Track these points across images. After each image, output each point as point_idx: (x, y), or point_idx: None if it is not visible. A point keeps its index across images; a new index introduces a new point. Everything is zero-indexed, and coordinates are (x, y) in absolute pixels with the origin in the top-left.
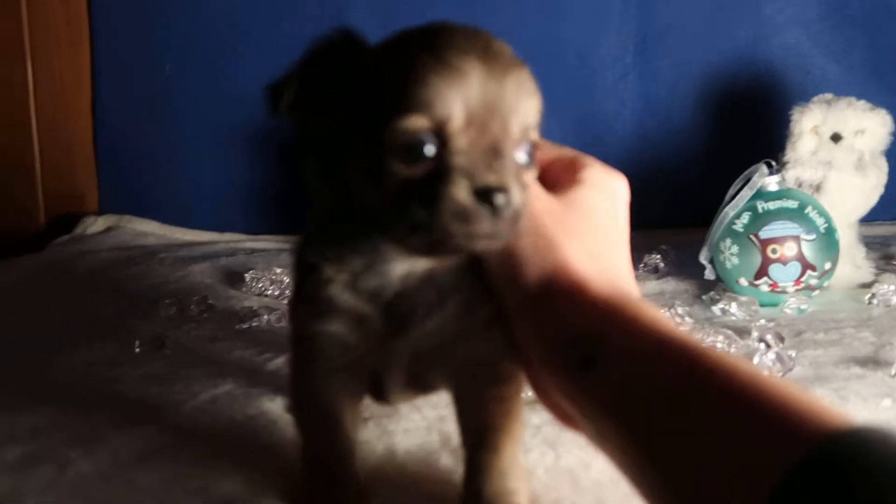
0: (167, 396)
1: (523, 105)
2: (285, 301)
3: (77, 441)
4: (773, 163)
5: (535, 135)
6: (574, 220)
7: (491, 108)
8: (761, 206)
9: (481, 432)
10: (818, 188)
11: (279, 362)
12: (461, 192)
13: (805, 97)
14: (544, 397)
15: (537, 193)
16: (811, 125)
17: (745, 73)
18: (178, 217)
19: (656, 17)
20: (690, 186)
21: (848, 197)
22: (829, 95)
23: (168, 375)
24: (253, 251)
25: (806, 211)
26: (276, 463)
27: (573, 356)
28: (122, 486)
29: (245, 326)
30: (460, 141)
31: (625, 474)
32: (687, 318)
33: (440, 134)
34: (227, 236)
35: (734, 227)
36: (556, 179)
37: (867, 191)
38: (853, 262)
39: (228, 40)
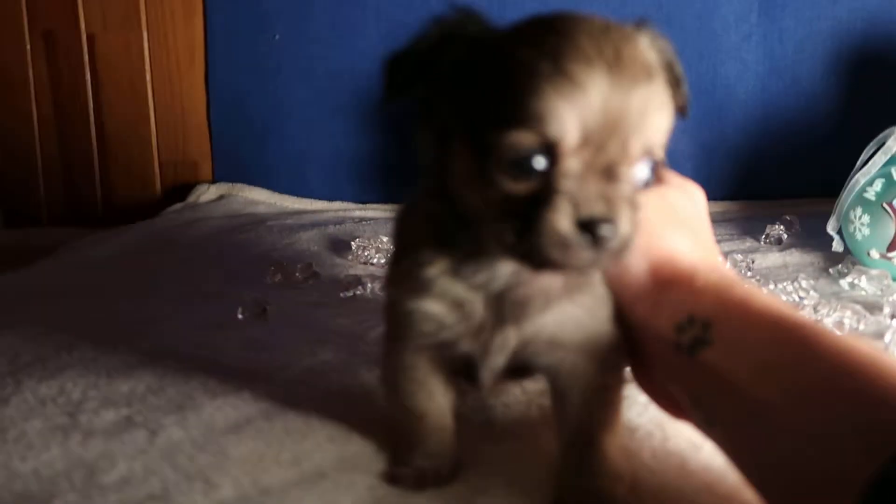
0: (265, 364)
1: (650, 123)
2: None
3: (172, 408)
4: None
5: (659, 152)
6: (668, 212)
7: (611, 128)
8: (895, 171)
9: (580, 426)
10: None
11: (380, 331)
12: (563, 221)
13: None
14: (651, 389)
15: None
16: None
17: (877, 32)
18: (288, 185)
19: None
20: (818, 153)
21: None
22: None
23: (268, 343)
24: (361, 220)
25: None
26: (370, 436)
27: (685, 338)
28: (213, 456)
29: (349, 294)
30: (572, 162)
31: (730, 459)
32: (812, 293)
33: (551, 152)
34: (336, 205)
35: (865, 195)
36: None
37: None
38: None
39: (338, 8)
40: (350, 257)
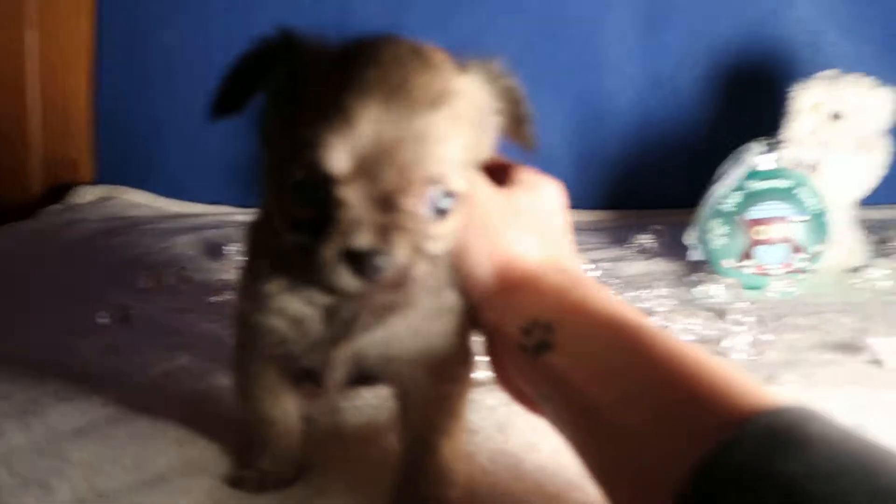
0: (120, 369)
1: (431, 153)
2: None
3: (16, 413)
4: (769, 141)
5: (452, 182)
6: (515, 212)
7: (385, 158)
8: (752, 185)
9: (418, 432)
10: (815, 168)
11: None
12: (328, 252)
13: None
14: (507, 384)
15: (482, 190)
16: (812, 103)
17: (755, 50)
18: (170, 189)
19: None
20: (690, 165)
21: (845, 178)
22: (832, 71)
23: (127, 347)
24: (241, 224)
25: (796, 192)
26: (217, 439)
27: (531, 341)
28: (53, 460)
29: (218, 299)
30: (346, 192)
31: (576, 452)
32: (666, 300)
33: (327, 182)
34: (217, 209)
35: (722, 207)
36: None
37: (867, 171)
38: (846, 246)
39: (227, 11)
40: (224, 262)
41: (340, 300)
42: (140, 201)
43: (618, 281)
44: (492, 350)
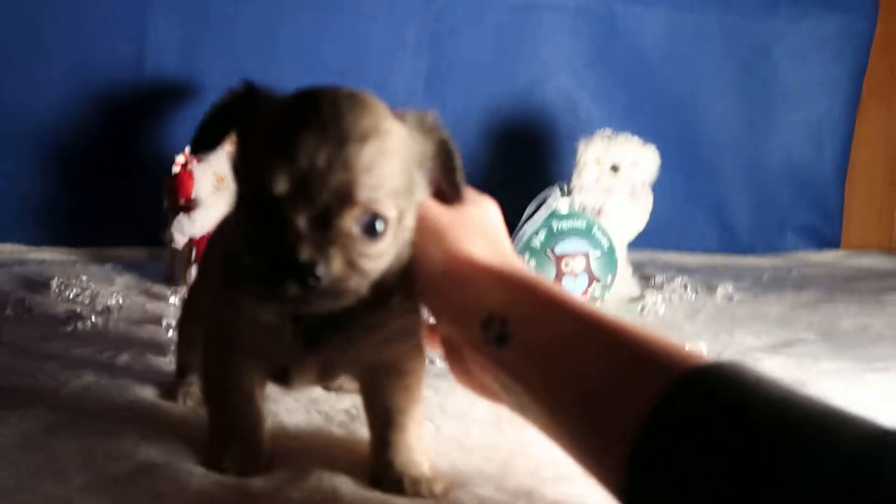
0: (34, 385)
1: (360, 179)
2: (98, 307)
3: None
4: (566, 186)
5: (378, 206)
6: (465, 222)
7: (321, 182)
8: (556, 225)
9: (388, 415)
10: (599, 212)
11: (125, 359)
12: (273, 264)
13: (574, 134)
14: (466, 379)
15: (432, 207)
16: (594, 156)
17: (524, 111)
18: None
19: (446, 53)
20: None
21: (623, 221)
22: (608, 130)
23: (20, 368)
24: (41, 261)
25: (593, 231)
26: (183, 435)
27: (489, 334)
28: (43, 454)
29: (69, 329)
30: (287, 211)
31: (541, 431)
32: None
33: (273, 201)
34: (6, 247)
35: (532, 243)
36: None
37: (638, 217)
38: (623, 279)
39: (15, 41)
40: (51, 295)
41: (291, 312)
42: None
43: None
44: (449, 350)
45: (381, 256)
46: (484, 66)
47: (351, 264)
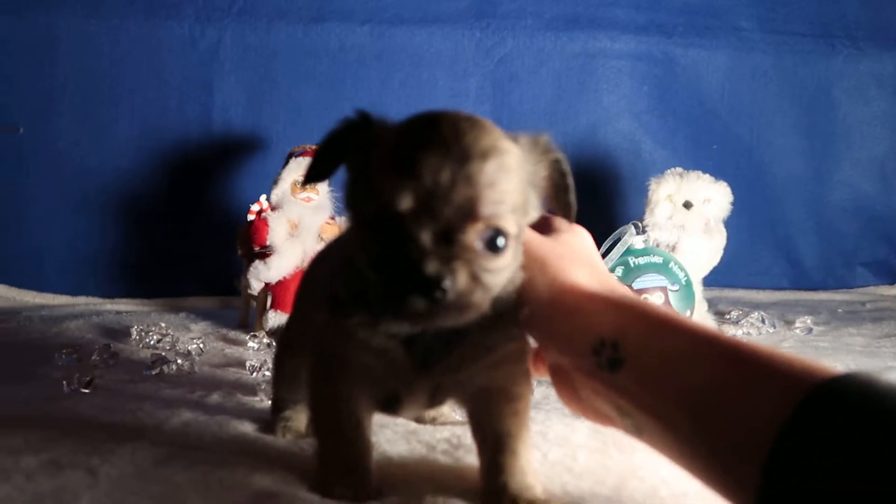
0: (135, 422)
1: (482, 194)
2: (178, 352)
3: (85, 451)
4: (640, 224)
5: (500, 221)
6: (566, 251)
7: (444, 199)
8: (633, 261)
9: (498, 439)
10: (674, 248)
11: (216, 398)
12: (401, 279)
13: (637, 176)
14: (573, 403)
15: (533, 237)
16: (667, 193)
17: (587, 155)
18: (26, 280)
19: (508, 101)
20: None
21: (698, 256)
22: (679, 169)
23: (117, 408)
24: (118, 312)
25: (670, 265)
26: (291, 466)
27: (602, 358)
28: (162, 484)
29: (155, 373)
30: (412, 228)
31: (663, 455)
32: None
33: (397, 219)
34: (82, 299)
35: None
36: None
37: (713, 252)
38: (699, 314)
39: (89, 106)
40: (132, 342)
41: (414, 329)
42: None
43: None
44: (557, 376)
45: (502, 272)
46: (545, 112)
47: (475, 278)
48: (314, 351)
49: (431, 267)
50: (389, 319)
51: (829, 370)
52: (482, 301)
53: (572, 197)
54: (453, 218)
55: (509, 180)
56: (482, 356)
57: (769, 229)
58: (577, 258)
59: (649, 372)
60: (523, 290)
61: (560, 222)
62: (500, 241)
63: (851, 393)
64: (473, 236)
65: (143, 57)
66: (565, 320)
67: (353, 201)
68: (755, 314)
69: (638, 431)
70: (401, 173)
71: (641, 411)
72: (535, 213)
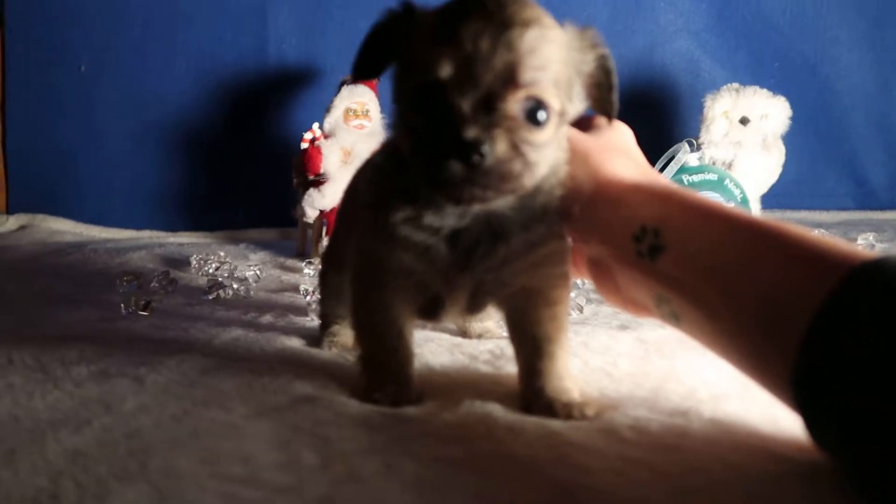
0: (187, 337)
1: (522, 61)
2: (236, 278)
3: (134, 363)
4: (694, 141)
5: (541, 91)
6: (608, 145)
7: (484, 65)
8: (686, 178)
9: (536, 343)
10: (730, 165)
11: (268, 318)
12: (439, 144)
13: (696, 95)
14: (615, 297)
15: (575, 133)
16: (722, 110)
17: (644, 75)
18: (92, 216)
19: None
20: None
21: (756, 174)
22: (736, 84)
23: (171, 327)
24: (180, 244)
25: (725, 182)
26: (333, 374)
27: (643, 246)
28: (206, 389)
29: (211, 297)
30: (451, 95)
31: (707, 345)
32: None
33: (436, 89)
34: (146, 233)
35: None
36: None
37: (771, 169)
38: None
39: (144, 42)
40: (191, 271)
41: (458, 221)
42: (62, 228)
43: None
44: (596, 270)
45: (543, 148)
46: (601, 31)
47: (515, 148)
48: (356, 259)
49: (471, 132)
50: (430, 190)
51: (868, 254)
52: (522, 174)
53: (615, 96)
54: (493, 84)
55: (552, 51)
56: (526, 252)
57: (834, 148)
58: (618, 151)
59: (689, 257)
60: (567, 184)
61: (601, 120)
62: (542, 115)
63: (889, 274)
64: (514, 104)
65: None
66: (607, 210)
67: (398, 89)
68: (815, 231)
69: (675, 319)
70: (440, 42)
71: (681, 297)
72: (579, 104)
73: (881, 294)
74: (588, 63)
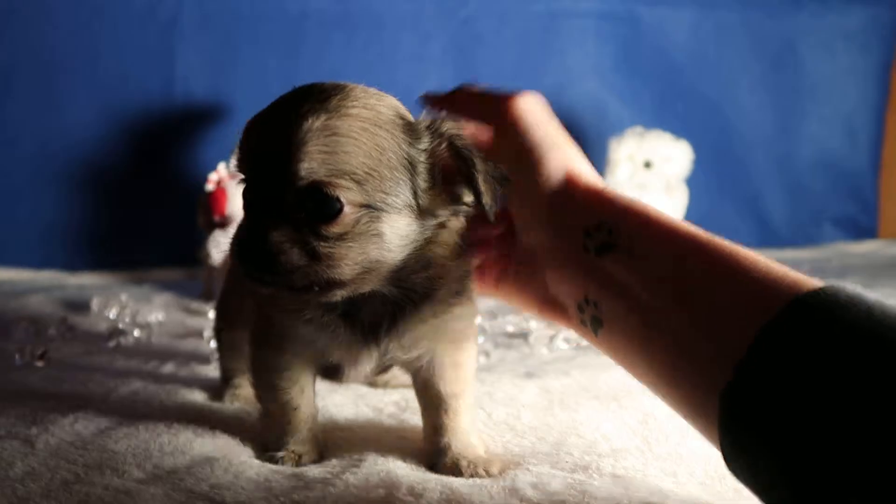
0: (83, 391)
1: (298, 155)
2: (139, 323)
3: (26, 422)
4: None
5: (332, 189)
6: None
7: (267, 165)
8: None
9: (442, 400)
10: None
11: (170, 368)
12: (232, 244)
13: (603, 136)
14: (535, 301)
15: (544, 126)
16: (627, 153)
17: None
18: None
19: (472, 63)
20: None
21: None
22: (640, 128)
23: (68, 379)
24: (81, 286)
25: None
26: (235, 432)
27: (592, 241)
28: (100, 451)
29: (112, 344)
30: (244, 192)
31: (627, 358)
32: None
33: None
34: (45, 273)
35: None
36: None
37: (674, 211)
38: None
39: (48, 74)
40: (92, 315)
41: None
42: None
43: None
44: (520, 268)
45: (348, 240)
46: (509, 73)
47: (304, 246)
48: (256, 320)
49: (242, 233)
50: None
51: (815, 283)
52: (327, 270)
53: (480, 184)
54: (275, 179)
55: (345, 142)
56: (427, 321)
57: (736, 187)
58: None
59: (640, 262)
60: (535, 160)
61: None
62: (332, 208)
63: (829, 304)
64: (294, 201)
65: (103, 27)
66: (571, 201)
67: None
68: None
69: (596, 325)
70: (241, 137)
71: (614, 299)
72: (420, 200)
73: (818, 324)
74: (432, 150)
